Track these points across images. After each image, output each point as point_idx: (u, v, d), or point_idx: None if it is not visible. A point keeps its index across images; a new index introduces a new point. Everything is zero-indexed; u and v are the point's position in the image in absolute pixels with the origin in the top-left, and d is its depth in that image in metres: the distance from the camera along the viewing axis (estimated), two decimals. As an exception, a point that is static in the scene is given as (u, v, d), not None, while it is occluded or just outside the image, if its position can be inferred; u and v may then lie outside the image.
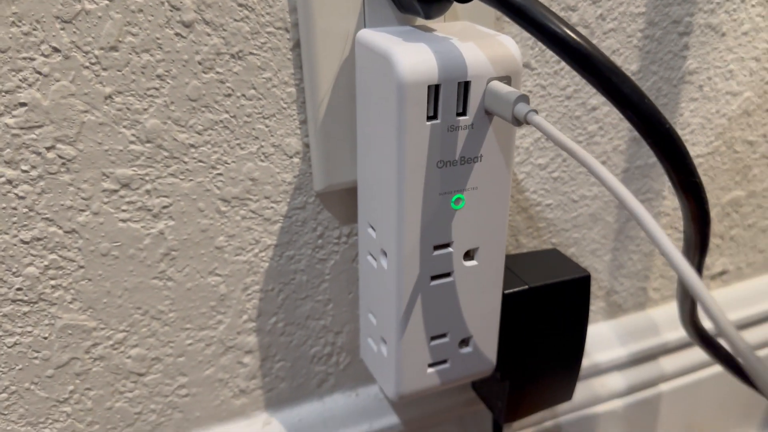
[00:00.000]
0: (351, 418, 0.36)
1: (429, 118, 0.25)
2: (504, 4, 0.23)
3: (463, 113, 0.26)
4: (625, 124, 0.37)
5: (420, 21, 0.29)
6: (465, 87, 0.25)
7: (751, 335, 0.48)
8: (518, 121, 0.24)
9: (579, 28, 0.33)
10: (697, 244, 0.28)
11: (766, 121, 0.42)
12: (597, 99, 0.35)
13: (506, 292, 0.31)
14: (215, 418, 0.34)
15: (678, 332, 0.44)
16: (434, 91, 0.25)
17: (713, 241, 0.44)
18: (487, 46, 0.26)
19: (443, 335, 0.30)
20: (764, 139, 0.42)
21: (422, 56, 0.25)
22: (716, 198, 0.43)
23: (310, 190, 0.31)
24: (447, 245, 0.28)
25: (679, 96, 0.38)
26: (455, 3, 0.26)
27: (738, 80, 0.39)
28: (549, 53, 0.33)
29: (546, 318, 0.33)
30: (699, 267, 0.30)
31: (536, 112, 0.24)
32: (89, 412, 0.31)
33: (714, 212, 0.43)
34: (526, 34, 0.32)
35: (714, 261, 0.45)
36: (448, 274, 0.29)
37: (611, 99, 0.23)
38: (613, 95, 0.23)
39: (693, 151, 0.40)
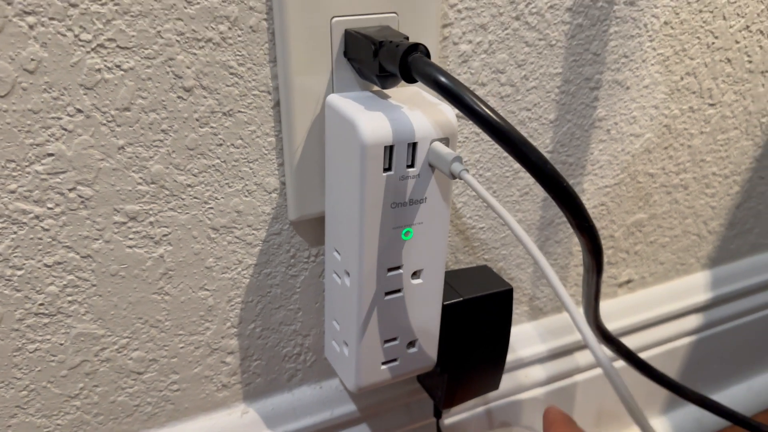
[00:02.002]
0: (316, 406, 0.43)
1: (385, 170, 0.32)
2: (441, 89, 0.29)
3: (412, 165, 0.32)
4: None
5: (377, 86, 0.35)
6: (413, 146, 0.32)
7: (655, 334, 0.57)
8: (453, 176, 0.31)
9: (506, 87, 0.40)
10: (594, 269, 0.35)
11: (664, 156, 0.50)
12: (523, 141, 0.43)
13: (445, 303, 0.39)
14: (201, 408, 0.40)
15: (590, 331, 0.52)
16: (389, 150, 0.31)
17: (620, 255, 0.53)
18: (431, 113, 0.32)
19: (394, 339, 0.37)
20: (663, 171, 0.51)
21: (380, 123, 0.31)
22: (622, 220, 0.51)
23: (285, 219, 0.38)
24: (398, 267, 0.35)
25: (589, 138, 0.45)
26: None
27: (640, 124, 0.47)
28: (483, 105, 0.40)
29: (477, 323, 0.40)
30: (597, 286, 0.37)
31: (467, 170, 0.31)
32: (95, 405, 0.37)
33: (620, 232, 0.51)
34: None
35: (621, 271, 0.54)
36: (398, 290, 0.36)
37: (522, 164, 0.30)
38: (524, 161, 0.29)
39: (601, 182, 0.48)
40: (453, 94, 0.29)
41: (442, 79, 0.29)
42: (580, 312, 0.26)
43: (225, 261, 0.37)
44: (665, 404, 0.62)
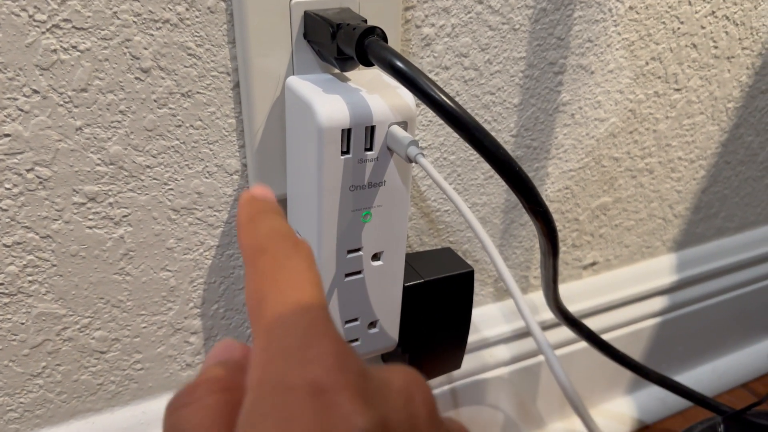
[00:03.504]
0: (280, 386, 0.44)
1: (343, 153, 0.32)
2: (396, 73, 0.29)
3: (370, 149, 0.33)
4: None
5: (337, 69, 0.35)
6: (371, 129, 0.32)
7: (619, 315, 0.58)
8: (410, 160, 0.32)
9: (469, 71, 0.40)
10: (550, 252, 0.36)
11: (629, 141, 0.50)
12: (487, 125, 0.43)
13: (406, 284, 0.39)
14: (165, 387, 0.41)
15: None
16: (347, 133, 0.32)
17: (584, 238, 0.53)
18: (389, 97, 0.33)
19: (355, 319, 0.38)
20: (628, 156, 0.51)
21: (337, 106, 0.31)
22: (587, 203, 0.51)
23: (247, 201, 0.38)
24: (358, 250, 0.35)
25: (554, 123, 0.46)
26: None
27: (605, 109, 0.48)
28: (447, 89, 0.41)
29: (438, 304, 0.41)
30: (554, 268, 0.38)
31: (423, 155, 0.31)
32: (58, 383, 0.37)
33: (585, 215, 0.52)
34: (428, 74, 0.39)
35: (585, 254, 0.55)
36: (359, 272, 0.36)
37: (475, 148, 0.30)
38: (477, 146, 0.30)
39: (566, 166, 0.48)
40: (408, 78, 0.29)
41: (398, 63, 0.29)
42: (522, 297, 0.27)
43: (186, 242, 0.37)
44: (630, 384, 0.64)
